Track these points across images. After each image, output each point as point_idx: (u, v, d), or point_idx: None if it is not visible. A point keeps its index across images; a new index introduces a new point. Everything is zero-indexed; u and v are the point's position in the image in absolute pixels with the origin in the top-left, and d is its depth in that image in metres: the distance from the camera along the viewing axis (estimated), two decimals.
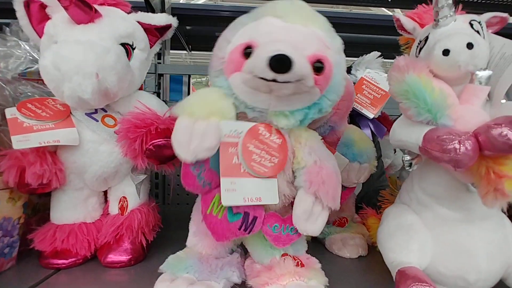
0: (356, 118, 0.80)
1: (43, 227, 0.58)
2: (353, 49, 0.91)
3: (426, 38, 0.46)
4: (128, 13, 0.58)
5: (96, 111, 0.56)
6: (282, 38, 0.39)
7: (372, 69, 0.80)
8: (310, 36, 0.41)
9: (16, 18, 0.54)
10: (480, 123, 0.40)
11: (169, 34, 0.63)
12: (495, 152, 0.38)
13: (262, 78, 0.38)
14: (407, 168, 0.47)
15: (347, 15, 1.25)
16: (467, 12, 0.48)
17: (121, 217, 0.59)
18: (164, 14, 0.60)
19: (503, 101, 0.44)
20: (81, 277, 0.54)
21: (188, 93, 1.94)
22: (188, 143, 0.40)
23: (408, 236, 0.48)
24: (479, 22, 0.44)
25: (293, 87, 0.39)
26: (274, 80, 0.38)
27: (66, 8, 0.49)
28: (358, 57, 0.83)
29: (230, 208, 0.43)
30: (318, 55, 0.40)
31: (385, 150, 0.94)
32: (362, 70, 0.80)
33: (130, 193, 0.60)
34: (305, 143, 0.45)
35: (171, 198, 1.03)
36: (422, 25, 0.50)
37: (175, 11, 1.26)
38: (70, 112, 0.55)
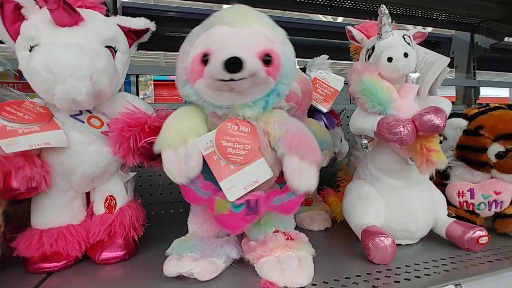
0: (311, 112, 0.92)
1: (25, 233, 0.57)
2: (306, 51, 1.04)
3: (373, 48, 0.59)
4: (105, 15, 0.60)
5: (81, 112, 0.57)
6: (231, 42, 0.45)
7: (323, 70, 0.93)
8: (255, 35, 0.46)
9: None
10: (415, 112, 0.55)
11: (145, 38, 0.65)
12: (426, 133, 0.53)
13: (221, 80, 0.44)
14: (364, 149, 0.59)
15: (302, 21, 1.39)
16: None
17: (111, 215, 0.60)
18: (142, 18, 0.63)
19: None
20: (75, 278, 0.55)
21: (137, 94, 1.89)
22: (177, 169, 0.47)
23: (367, 203, 0.62)
24: (409, 36, 0.59)
25: (249, 82, 0.45)
26: (231, 80, 0.43)
27: (52, 11, 0.49)
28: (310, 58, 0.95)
29: (232, 202, 0.49)
30: (265, 50, 0.46)
31: (334, 140, 1.09)
32: (315, 71, 0.93)
33: (118, 192, 0.62)
34: (273, 120, 0.51)
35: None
36: (368, 36, 0.63)
37: (126, 10, 1.24)
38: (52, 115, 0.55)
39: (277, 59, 0.47)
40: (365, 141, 0.59)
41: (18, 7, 0.52)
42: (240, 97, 0.48)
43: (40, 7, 0.53)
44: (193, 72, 0.47)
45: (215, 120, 0.51)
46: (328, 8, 1.33)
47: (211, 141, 0.49)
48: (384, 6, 0.56)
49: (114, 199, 0.62)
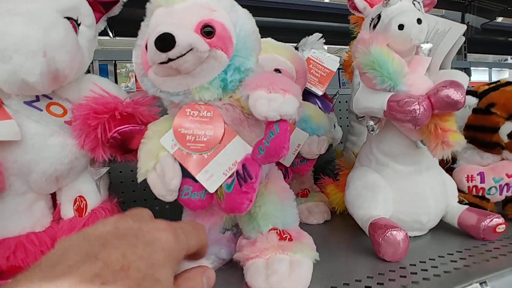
0: (305, 95, 0.85)
1: None
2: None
3: (379, 16, 0.52)
4: None
5: (38, 98, 0.47)
6: (164, 21, 0.42)
7: (316, 50, 0.85)
8: (191, 9, 0.43)
9: None
10: (428, 87, 0.48)
11: (116, 10, 0.56)
12: (442, 110, 0.46)
13: (162, 63, 0.40)
14: (371, 132, 0.53)
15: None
16: None
17: (80, 219, 0.52)
18: None
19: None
20: None
21: (116, 82, 1.76)
22: (164, 188, 0.45)
23: (373, 192, 0.55)
24: (419, 2, 0.52)
25: (191, 58, 0.40)
26: (170, 60, 0.39)
27: None
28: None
29: (225, 184, 0.43)
30: (203, 21, 0.42)
31: None
32: (308, 51, 0.85)
33: (89, 191, 0.53)
34: (239, 93, 0.45)
35: None
36: (371, 5, 0.55)
37: None
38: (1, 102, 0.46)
39: (220, 28, 0.42)
40: (372, 123, 0.52)
41: None
42: (193, 79, 0.43)
43: None
44: (144, 64, 0.44)
45: (176, 111, 0.46)
46: None
47: (174, 138, 0.45)
48: None
49: (85, 200, 0.53)
